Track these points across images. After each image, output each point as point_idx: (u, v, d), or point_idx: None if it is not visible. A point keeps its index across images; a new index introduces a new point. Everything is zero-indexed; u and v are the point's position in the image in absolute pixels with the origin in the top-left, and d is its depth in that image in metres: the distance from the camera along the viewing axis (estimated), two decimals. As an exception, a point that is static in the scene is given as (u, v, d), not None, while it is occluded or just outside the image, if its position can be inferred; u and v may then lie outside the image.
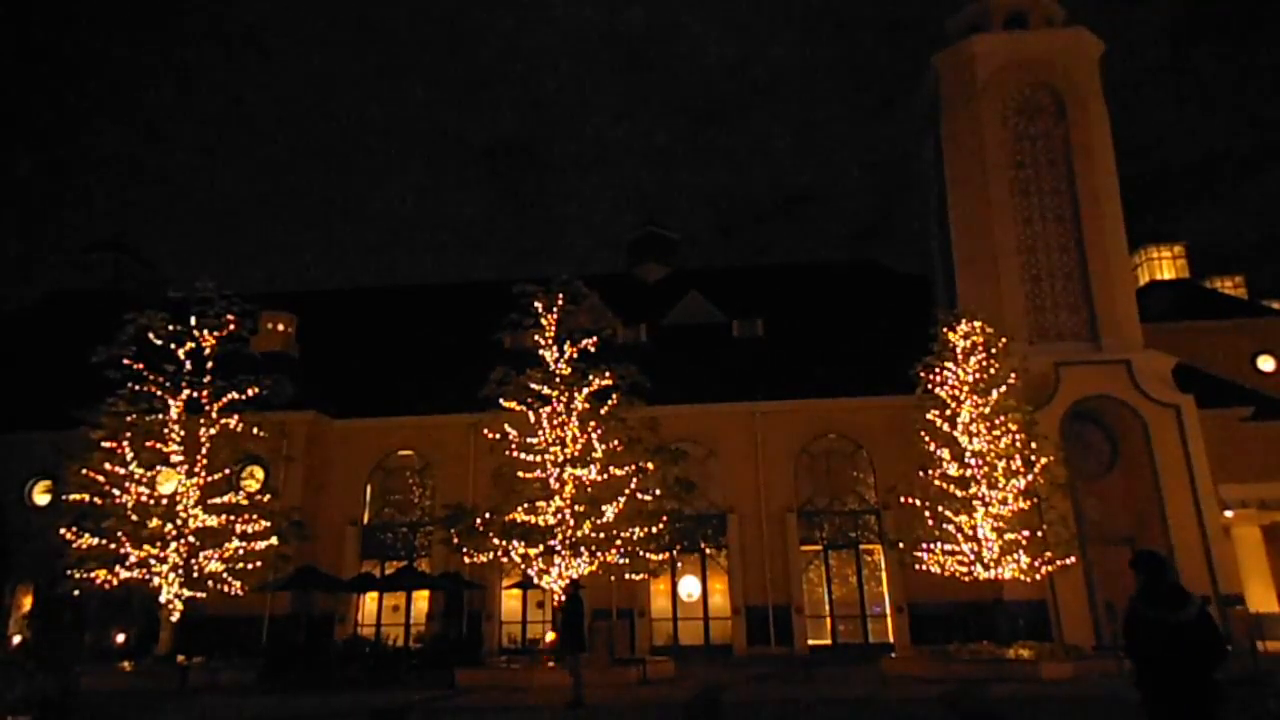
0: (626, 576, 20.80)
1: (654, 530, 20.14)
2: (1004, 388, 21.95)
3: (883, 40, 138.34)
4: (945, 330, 22.69)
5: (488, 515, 20.29)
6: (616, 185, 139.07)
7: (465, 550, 20.67)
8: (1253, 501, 27.29)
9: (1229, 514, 27.14)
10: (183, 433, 21.74)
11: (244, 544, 21.53)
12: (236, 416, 22.08)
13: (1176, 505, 25.93)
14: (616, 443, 20.39)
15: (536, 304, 21.21)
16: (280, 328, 33.18)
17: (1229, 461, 27.44)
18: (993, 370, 22.15)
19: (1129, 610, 6.66)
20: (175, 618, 21.24)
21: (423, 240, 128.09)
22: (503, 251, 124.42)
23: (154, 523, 20.88)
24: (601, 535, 19.87)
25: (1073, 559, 21.60)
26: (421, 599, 29.02)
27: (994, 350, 22.39)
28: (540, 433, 20.45)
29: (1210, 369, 31.38)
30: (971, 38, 31.87)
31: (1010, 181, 30.37)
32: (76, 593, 20.83)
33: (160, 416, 21.64)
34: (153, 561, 20.78)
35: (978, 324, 22.66)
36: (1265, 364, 34.90)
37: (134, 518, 20.89)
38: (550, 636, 17.11)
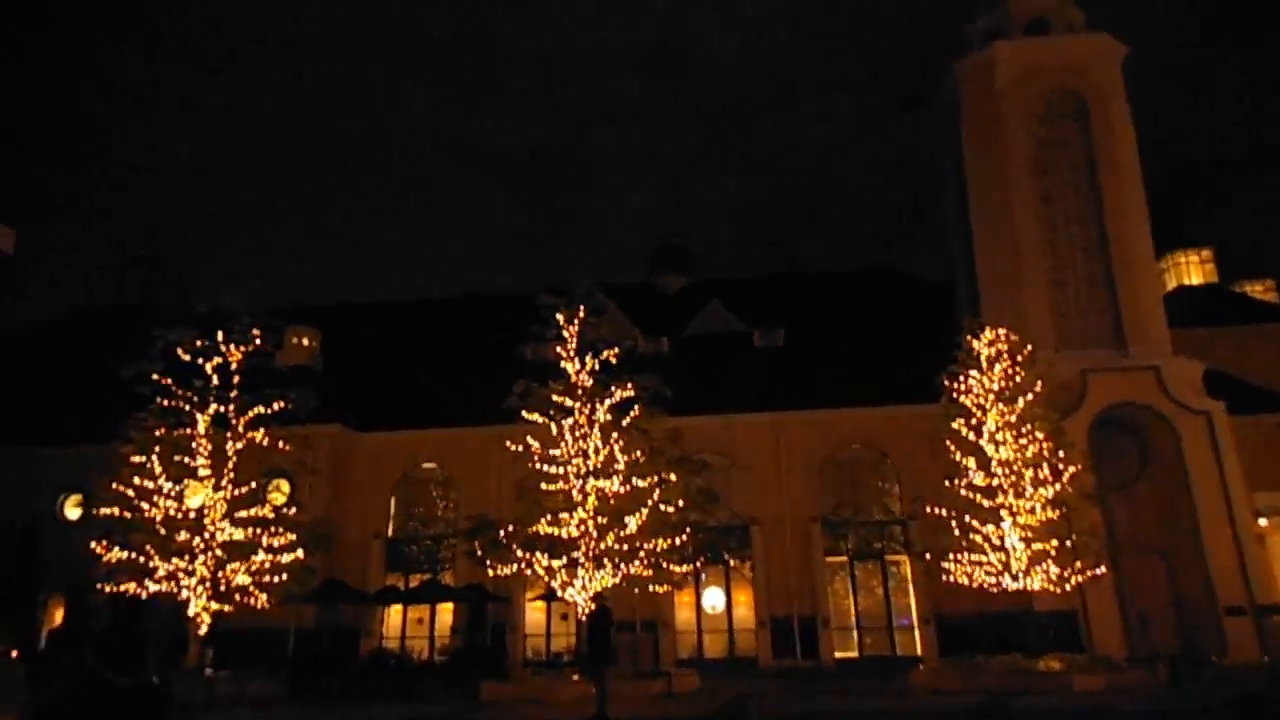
0: (650, 588, 20.74)
1: (677, 542, 20.07)
2: (1030, 395, 21.70)
3: (908, 46, 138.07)
4: (969, 338, 22.50)
5: (511, 527, 20.32)
6: (639, 194, 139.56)
7: (489, 563, 20.70)
8: (1288, 509, 26.77)
9: (1263, 522, 26.64)
10: (210, 447, 21.96)
11: (270, 557, 21.67)
12: (263, 430, 22.27)
13: (1209, 514, 25.49)
14: (639, 454, 20.36)
15: (558, 316, 21.28)
16: (305, 342, 33.50)
17: (1263, 469, 26.93)
18: (1018, 378, 21.91)
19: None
20: (203, 630, 21.41)
21: (445, 252, 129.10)
22: (525, 262, 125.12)
23: (182, 536, 21.08)
24: (625, 547, 19.82)
25: (1103, 569, 21.28)
26: (445, 612, 29.10)
27: (1019, 357, 22.16)
28: (563, 444, 20.47)
29: (1241, 375, 30.85)
30: (992, 45, 31.71)
31: (1032, 187, 30.14)
32: (113, 595, 20.80)
33: (188, 431, 21.88)
34: (180, 574, 20.97)
35: (1002, 331, 22.46)
36: (1298, 369, 34.24)
37: (162, 531, 21.11)
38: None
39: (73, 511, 30.78)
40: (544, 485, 20.43)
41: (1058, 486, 20.90)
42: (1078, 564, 20.70)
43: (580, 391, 20.75)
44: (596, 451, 20.33)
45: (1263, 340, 34.49)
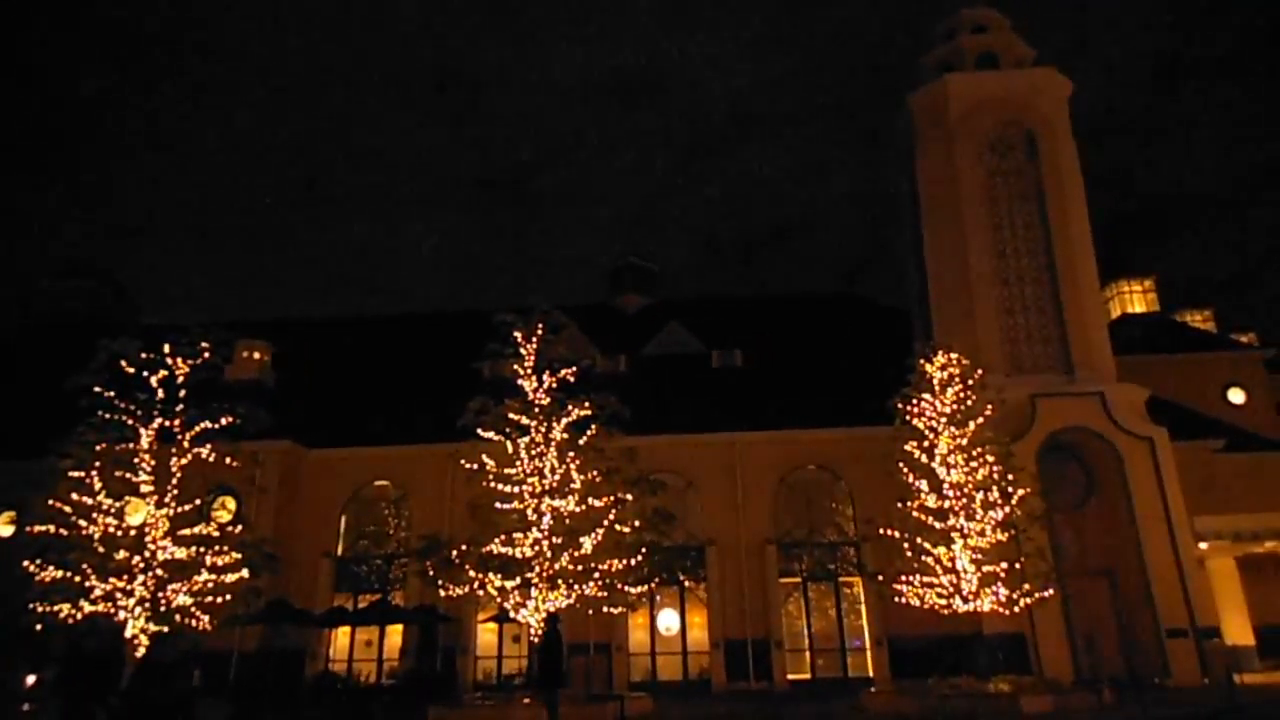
0: (604, 610, 20.54)
1: (632, 562, 19.95)
2: (981, 419, 22.07)
3: (870, 77, 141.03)
4: (922, 362, 22.85)
5: (464, 547, 20.02)
6: (603, 216, 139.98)
7: (441, 583, 20.35)
8: (1227, 533, 27.52)
9: (1204, 546, 27.34)
10: (153, 462, 21.29)
11: (213, 576, 21.03)
12: (209, 446, 21.68)
13: (1152, 537, 26.08)
14: (595, 473, 20.23)
15: (516, 334, 21.15)
16: (256, 356, 32.83)
17: (1203, 493, 27.67)
18: (970, 402, 22.27)
19: None
20: (140, 653, 20.65)
21: (405, 269, 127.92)
22: (486, 281, 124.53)
23: (121, 554, 20.37)
24: (579, 567, 19.64)
25: (1050, 591, 21.62)
26: (395, 633, 28.48)
27: (970, 381, 22.55)
28: (518, 463, 20.27)
29: (1182, 401, 31.76)
30: (944, 77, 32.54)
31: (983, 216, 30.86)
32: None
33: (130, 446, 21.21)
34: (118, 595, 20.24)
35: (954, 356, 22.84)
36: (1236, 396, 35.40)
37: (100, 549, 20.38)
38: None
39: (4, 529, 29.60)
40: (498, 504, 20.18)
41: (1007, 509, 21.23)
42: (1026, 586, 21.01)
43: (537, 410, 20.60)
44: (553, 470, 20.17)
45: (1202, 368, 35.61)
